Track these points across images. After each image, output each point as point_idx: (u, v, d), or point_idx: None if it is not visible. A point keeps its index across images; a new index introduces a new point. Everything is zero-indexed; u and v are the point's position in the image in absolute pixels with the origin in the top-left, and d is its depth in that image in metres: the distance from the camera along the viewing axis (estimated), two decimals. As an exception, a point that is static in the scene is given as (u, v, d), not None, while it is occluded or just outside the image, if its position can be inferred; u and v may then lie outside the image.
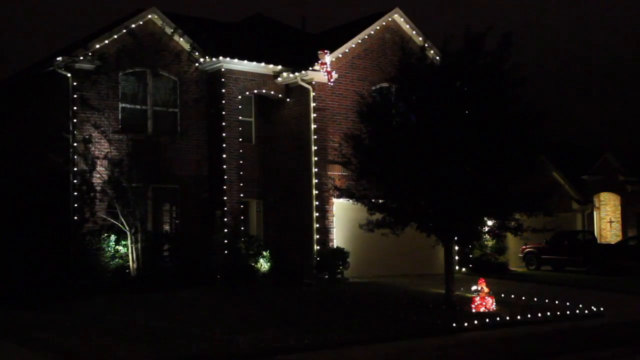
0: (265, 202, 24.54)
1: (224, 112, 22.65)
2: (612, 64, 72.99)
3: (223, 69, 22.70)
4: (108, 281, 19.44)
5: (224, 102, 22.69)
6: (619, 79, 71.42)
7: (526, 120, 17.27)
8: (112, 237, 20.18)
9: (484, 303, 16.49)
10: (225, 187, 22.47)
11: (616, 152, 37.61)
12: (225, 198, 22.42)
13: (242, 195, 22.95)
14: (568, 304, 18.14)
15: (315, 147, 23.01)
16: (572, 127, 53.78)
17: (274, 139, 24.42)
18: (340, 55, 23.79)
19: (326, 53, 23.00)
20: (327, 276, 22.12)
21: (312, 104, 23.16)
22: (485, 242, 25.80)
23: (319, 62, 22.91)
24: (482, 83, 17.01)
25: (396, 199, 17.45)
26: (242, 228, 22.97)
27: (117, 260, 20.08)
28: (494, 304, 16.67)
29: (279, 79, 23.70)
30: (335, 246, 22.79)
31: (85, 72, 20.71)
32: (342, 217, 22.93)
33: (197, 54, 22.57)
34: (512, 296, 19.21)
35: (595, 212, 36.24)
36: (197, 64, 22.75)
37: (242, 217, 23.02)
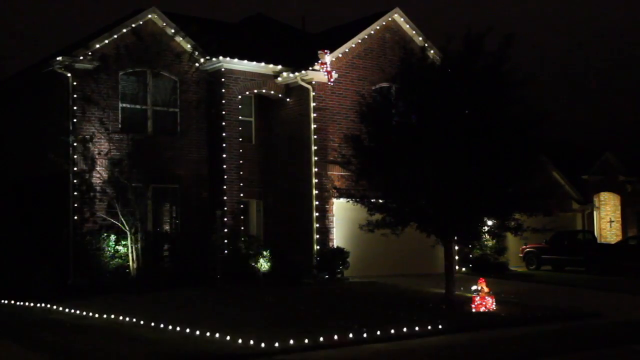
0: (265, 202, 24.56)
1: (224, 112, 22.67)
2: (612, 63, 73.06)
3: (223, 69, 22.71)
4: (108, 281, 19.46)
5: (224, 102, 22.70)
6: (619, 79, 71.44)
7: (526, 120, 17.26)
8: (112, 237, 20.19)
9: (484, 303, 16.48)
10: (225, 187, 22.49)
11: (616, 152, 37.57)
12: (225, 198, 22.44)
13: (242, 195, 22.97)
14: (568, 303, 18.13)
15: (315, 147, 23.02)
16: (572, 127, 53.74)
17: (274, 139, 24.43)
18: (340, 55, 23.79)
19: (326, 53, 23.01)
20: (327, 276, 22.14)
21: (312, 104, 23.16)
22: (485, 242, 25.78)
23: (319, 62, 22.92)
24: (482, 83, 17.01)
25: (396, 199, 17.45)
26: (242, 228, 22.99)
27: (117, 260, 20.09)
28: (494, 303, 16.66)
29: (279, 79, 23.71)
30: (335, 246, 22.81)
31: (85, 71, 20.72)
32: (342, 217, 22.94)
33: (197, 53, 22.56)
34: (512, 296, 19.20)
35: (595, 212, 36.22)
36: (197, 64, 22.73)
37: (242, 217, 23.04)
